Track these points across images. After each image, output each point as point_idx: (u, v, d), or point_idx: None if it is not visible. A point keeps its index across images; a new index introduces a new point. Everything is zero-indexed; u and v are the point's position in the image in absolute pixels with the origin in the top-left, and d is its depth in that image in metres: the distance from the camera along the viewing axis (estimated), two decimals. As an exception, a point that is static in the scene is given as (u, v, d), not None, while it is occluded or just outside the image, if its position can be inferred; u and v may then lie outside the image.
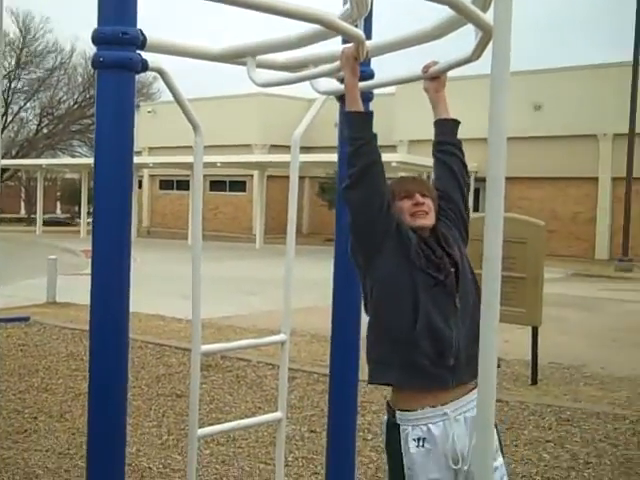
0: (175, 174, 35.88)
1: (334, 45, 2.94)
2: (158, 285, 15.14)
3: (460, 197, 2.87)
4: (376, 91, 3.38)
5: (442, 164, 2.89)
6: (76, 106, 47.12)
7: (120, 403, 2.63)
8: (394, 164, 22.22)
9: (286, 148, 6.12)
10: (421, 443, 2.59)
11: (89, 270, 2.61)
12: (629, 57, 22.64)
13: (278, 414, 3.49)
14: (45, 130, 48.13)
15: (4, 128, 43.90)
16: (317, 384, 7.12)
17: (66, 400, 6.55)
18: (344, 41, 2.87)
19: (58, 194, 48.99)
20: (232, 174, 34.34)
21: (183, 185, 35.12)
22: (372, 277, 2.68)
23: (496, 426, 2.66)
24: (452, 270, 2.66)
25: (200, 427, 3.18)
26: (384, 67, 3.37)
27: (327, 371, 3.68)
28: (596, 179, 26.33)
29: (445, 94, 2.93)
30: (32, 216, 39.84)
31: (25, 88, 47.18)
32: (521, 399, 6.80)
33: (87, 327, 2.68)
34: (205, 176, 3.79)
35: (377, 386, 2.81)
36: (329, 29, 2.44)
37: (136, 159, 24.31)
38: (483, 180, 2.23)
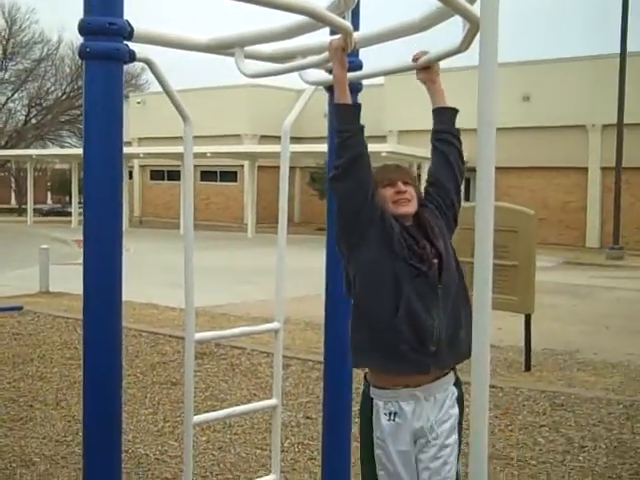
0: (166, 164, 35.77)
1: (322, 36, 2.96)
2: (151, 274, 15.14)
3: (453, 186, 2.89)
4: (366, 82, 3.40)
5: (439, 153, 2.91)
6: (64, 97, 46.84)
7: (115, 390, 2.66)
8: (384, 154, 22.14)
9: (276, 139, 6.13)
10: (392, 417, 2.67)
11: (82, 260, 2.64)
12: (616, 49, 22.64)
13: (273, 401, 3.51)
14: (34, 121, 47.85)
15: (-8, 119, 43.74)
16: (312, 371, 7.15)
17: (61, 388, 6.57)
18: (332, 32, 2.88)
19: (48, 184, 48.82)
20: (223, 164, 34.29)
21: (174, 175, 35.02)
22: (355, 264, 2.71)
23: (462, 404, 2.73)
24: (435, 261, 2.68)
25: (196, 414, 3.20)
26: (371, 58, 3.38)
27: (321, 358, 3.70)
28: (586, 169, 26.41)
29: (441, 83, 2.95)
30: (23, 206, 39.69)
31: (12, 79, 46.88)
32: (515, 385, 6.84)
33: (81, 316, 2.70)
34: (196, 166, 3.81)
35: (364, 369, 2.85)
36: (317, 20, 2.47)
37: (126, 149, 24.19)
38: (473, 170, 2.26)
